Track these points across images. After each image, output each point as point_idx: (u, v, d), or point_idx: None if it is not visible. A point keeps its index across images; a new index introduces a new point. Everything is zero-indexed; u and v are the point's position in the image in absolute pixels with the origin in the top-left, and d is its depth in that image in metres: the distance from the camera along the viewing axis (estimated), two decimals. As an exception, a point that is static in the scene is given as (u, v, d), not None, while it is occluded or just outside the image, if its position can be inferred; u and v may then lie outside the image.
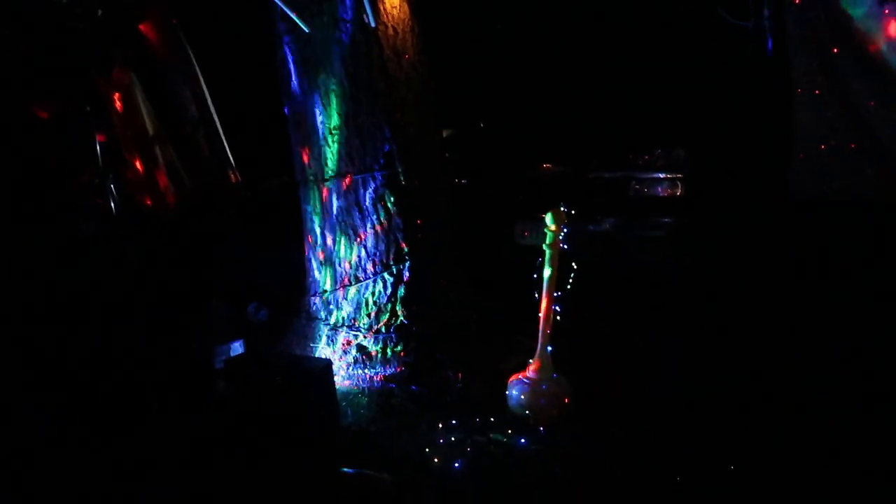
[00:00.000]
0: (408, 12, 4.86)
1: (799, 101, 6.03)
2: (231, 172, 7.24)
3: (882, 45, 5.77)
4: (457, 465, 3.71)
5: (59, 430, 3.55)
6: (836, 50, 5.85)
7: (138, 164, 7.43)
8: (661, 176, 6.18)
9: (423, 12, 5.03)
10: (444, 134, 7.40)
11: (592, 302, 5.59)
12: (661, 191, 6.22)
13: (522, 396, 4.21)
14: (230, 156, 7.13)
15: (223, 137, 7.16)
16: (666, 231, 6.08)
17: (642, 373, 4.63)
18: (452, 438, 3.95)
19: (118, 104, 7.71)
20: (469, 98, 6.47)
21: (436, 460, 3.76)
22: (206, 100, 7.09)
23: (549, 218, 4.12)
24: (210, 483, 3.44)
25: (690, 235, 6.03)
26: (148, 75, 7.32)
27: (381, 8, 4.70)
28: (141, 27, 7.34)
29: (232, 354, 4.65)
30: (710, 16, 5.38)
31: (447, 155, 7.56)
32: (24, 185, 6.84)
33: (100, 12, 6.12)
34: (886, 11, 5.38)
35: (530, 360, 4.31)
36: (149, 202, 7.79)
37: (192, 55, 6.92)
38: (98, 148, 6.61)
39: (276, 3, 4.60)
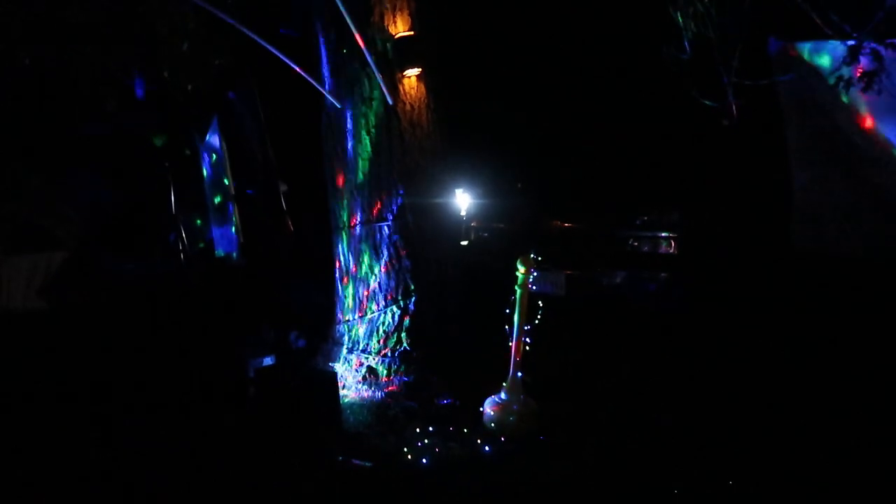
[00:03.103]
0: (424, 91, 5.88)
1: (791, 169, 6.63)
2: (288, 223, 8.49)
3: (867, 118, 6.34)
4: (424, 461, 4.52)
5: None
6: (824, 124, 6.44)
7: (227, 215, 8.79)
8: (657, 235, 6.86)
9: (440, 91, 6.03)
10: (465, 195, 8.39)
11: (588, 338, 6.31)
12: (656, 248, 6.88)
13: (493, 413, 4.99)
14: (286, 208, 8.39)
15: (281, 193, 8.43)
16: (659, 282, 6.73)
17: (613, 400, 5.29)
18: (427, 442, 4.76)
19: (212, 160, 9.15)
20: (489, 164, 7.43)
21: (409, 457, 4.58)
22: (272, 161, 8.41)
23: (518, 262, 4.95)
24: (237, 460, 4.43)
25: (681, 285, 6.65)
26: (232, 139, 8.76)
27: (401, 88, 5.76)
28: (230, 95, 8.83)
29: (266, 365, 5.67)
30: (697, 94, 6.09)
31: (464, 212, 8.55)
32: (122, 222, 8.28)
33: (189, 87, 7.57)
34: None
35: (504, 383, 5.08)
36: (227, 251, 9.13)
37: (264, 123, 8.28)
38: (173, 199, 8.01)
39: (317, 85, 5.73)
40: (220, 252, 8.73)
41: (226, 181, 8.86)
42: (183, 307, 6.94)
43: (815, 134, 6.52)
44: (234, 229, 8.89)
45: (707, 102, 5.58)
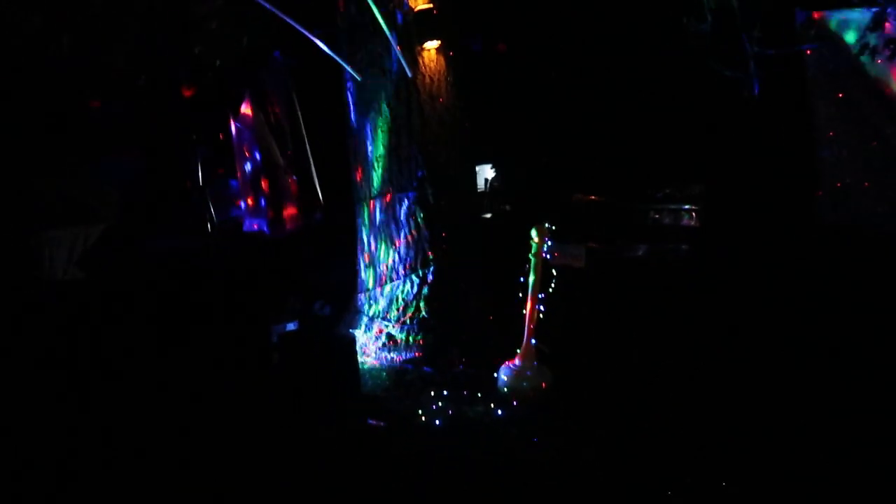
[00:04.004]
0: (443, 64, 5.95)
1: (818, 142, 6.53)
2: (318, 196, 8.65)
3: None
4: (438, 422, 4.66)
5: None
6: (852, 95, 6.32)
7: (258, 188, 9.01)
8: (679, 207, 6.84)
9: (459, 63, 6.09)
10: (492, 168, 8.45)
11: (606, 311, 6.35)
12: (678, 221, 6.86)
13: (506, 379, 5.10)
14: (317, 182, 8.55)
15: (313, 167, 8.60)
16: (680, 255, 6.73)
17: (628, 373, 5.34)
18: (441, 405, 4.90)
19: (242, 136, 9.37)
20: (511, 137, 7.48)
21: (423, 418, 4.73)
22: (303, 136, 8.57)
23: (533, 231, 5.02)
24: (259, 418, 4.65)
25: (703, 259, 6.64)
26: (266, 114, 8.95)
27: (420, 61, 5.84)
28: (261, 71, 8.99)
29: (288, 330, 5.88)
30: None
31: (494, 185, 8.60)
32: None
33: (217, 62, 7.75)
34: (879, 61, 5.85)
35: (518, 350, 5.18)
36: (256, 224, 9.38)
37: (296, 100, 8.43)
38: (200, 170, 8.23)
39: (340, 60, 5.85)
40: (249, 224, 8.97)
41: (257, 155, 9.08)
42: (211, 278, 7.20)
43: (843, 105, 6.40)
44: (263, 201, 9.13)
45: (728, 73, 5.54)
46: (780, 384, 4.87)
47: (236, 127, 9.39)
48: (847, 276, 6.06)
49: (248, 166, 9.53)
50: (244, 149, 9.48)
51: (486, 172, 8.39)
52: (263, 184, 9.07)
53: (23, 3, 6.36)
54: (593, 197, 7.36)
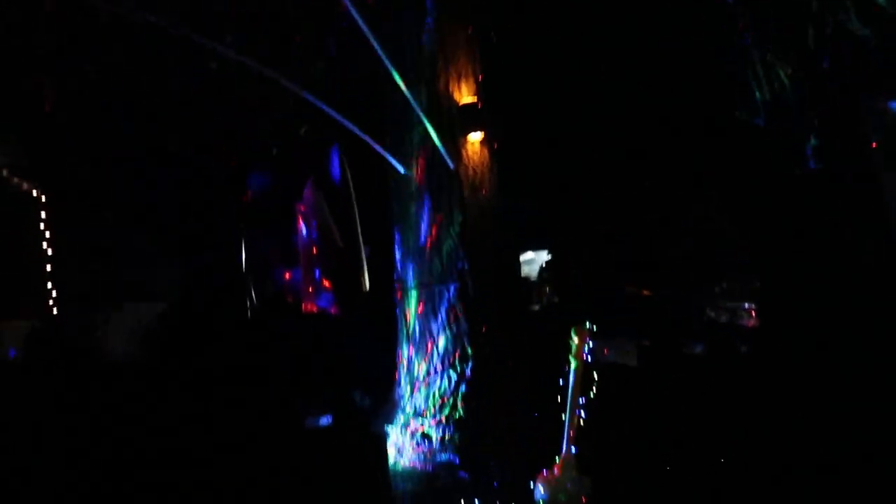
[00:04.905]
0: (487, 155, 5.91)
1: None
2: (364, 282, 8.65)
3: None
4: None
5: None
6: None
7: (312, 269, 9.12)
8: (737, 304, 6.43)
9: (503, 154, 6.04)
10: (533, 256, 8.25)
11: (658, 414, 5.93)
12: (736, 318, 6.44)
13: (544, 491, 4.74)
14: (365, 268, 8.57)
15: (363, 253, 8.64)
16: (739, 355, 6.28)
17: (680, 485, 4.90)
18: (473, 516, 4.59)
19: (305, 219, 9.56)
20: (560, 225, 7.32)
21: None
22: (356, 222, 8.67)
23: (573, 332, 4.77)
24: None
25: (763, 359, 6.17)
26: (327, 197, 9.13)
27: (464, 153, 5.81)
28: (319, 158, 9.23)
29: (322, 425, 5.71)
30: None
31: (542, 275, 8.39)
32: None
33: (303, 130, 7.97)
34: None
35: (556, 459, 4.84)
36: (306, 305, 9.42)
37: (351, 186, 8.58)
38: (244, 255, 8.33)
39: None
40: (295, 304, 9.00)
41: (315, 238, 9.21)
42: (251, 357, 7.14)
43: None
44: (314, 285, 9.18)
45: (788, 169, 5.27)
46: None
47: (299, 211, 9.61)
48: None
49: (305, 250, 9.68)
50: (303, 232, 9.66)
51: (533, 259, 8.21)
52: (317, 268, 9.17)
53: None
54: (646, 291, 7.04)
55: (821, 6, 5.15)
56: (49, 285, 8.37)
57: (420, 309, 5.96)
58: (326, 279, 9.01)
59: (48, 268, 8.40)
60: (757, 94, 5.32)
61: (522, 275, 8.12)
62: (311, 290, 9.52)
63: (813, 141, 5.26)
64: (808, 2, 5.17)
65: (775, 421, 5.63)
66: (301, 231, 9.65)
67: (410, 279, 6.07)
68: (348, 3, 4.95)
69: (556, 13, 6.22)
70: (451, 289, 5.78)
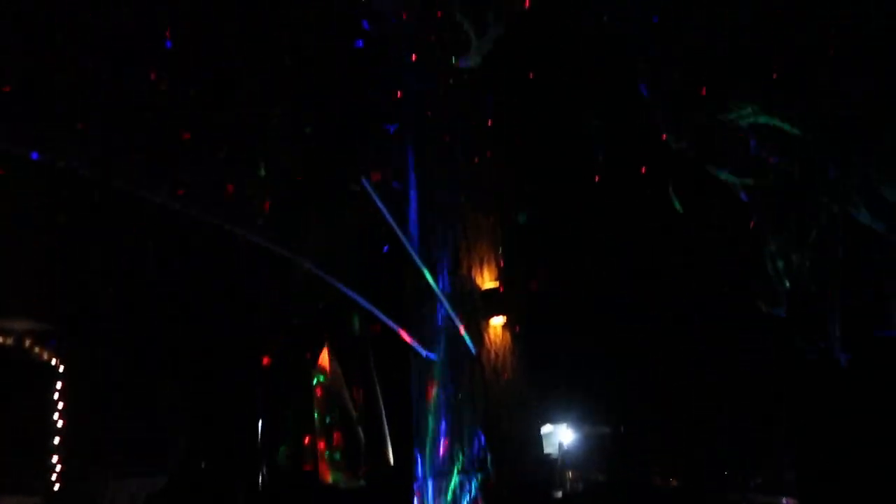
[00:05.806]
0: (508, 339, 5.93)
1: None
2: (388, 456, 8.34)
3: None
4: None
5: None
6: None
7: (326, 439, 8.86)
8: (773, 500, 6.06)
9: (526, 337, 6.04)
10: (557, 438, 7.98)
11: None
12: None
13: None
14: (389, 443, 8.29)
15: (386, 427, 8.40)
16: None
17: None
18: None
19: (322, 389, 9.43)
20: (583, 407, 7.15)
21: None
22: (376, 395, 8.52)
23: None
24: None
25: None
26: (344, 366, 9.04)
27: (486, 336, 5.84)
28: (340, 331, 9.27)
29: None
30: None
31: (566, 457, 8.06)
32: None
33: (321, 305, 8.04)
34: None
35: None
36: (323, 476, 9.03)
37: (372, 357, 8.55)
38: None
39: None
40: (313, 477, 8.62)
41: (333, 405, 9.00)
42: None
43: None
44: (329, 454, 8.84)
45: (812, 354, 5.20)
46: None
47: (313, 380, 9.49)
48: None
49: (322, 419, 9.45)
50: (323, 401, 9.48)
51: (552, 433, 7.92)
52: (336, 439, 8.91)
53: None
54: (674, 481, 6.71)
55: (830, 199, 5.33)
56: (55, 458, 8.13)
57: (440, 498, 5.69)
58: (345, 449, 8.72)
59: (56, 440, 8.20)
60: (776, 282, 5.36)
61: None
62: (328, 460, 9.18)
63: (837, 332, 5.22)
64: (818, 196, 5.37)
65: None
66: (320, 399, 9.49)
67: (429, 467, 5.84)
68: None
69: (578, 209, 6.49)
70: (473, 477, 5.56)
